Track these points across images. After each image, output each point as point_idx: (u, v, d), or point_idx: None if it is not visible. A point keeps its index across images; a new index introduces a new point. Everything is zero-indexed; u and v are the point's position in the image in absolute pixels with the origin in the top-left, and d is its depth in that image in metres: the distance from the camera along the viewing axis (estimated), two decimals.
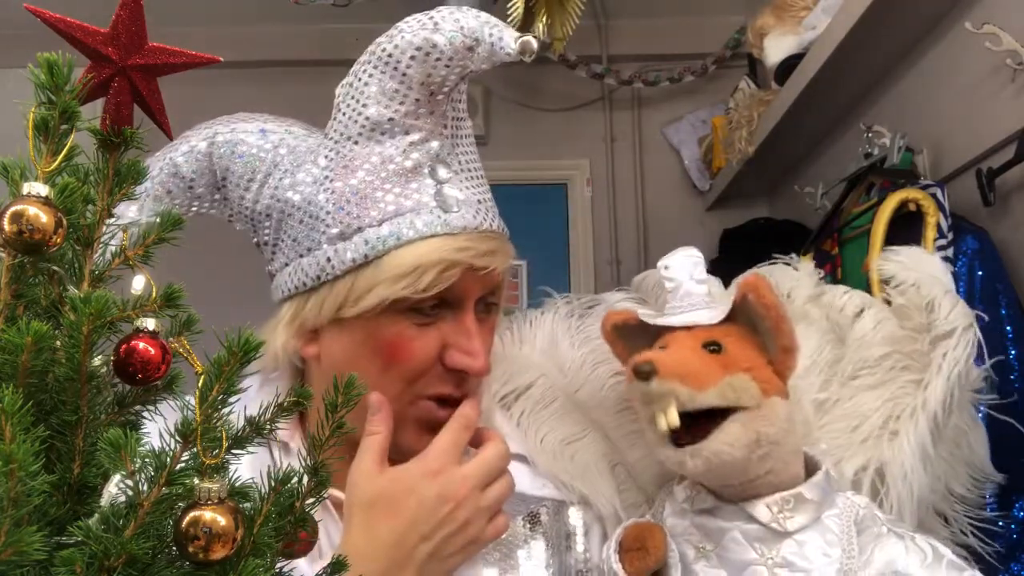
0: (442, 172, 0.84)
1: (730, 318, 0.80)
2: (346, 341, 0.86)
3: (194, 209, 0.94)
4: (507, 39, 0.79)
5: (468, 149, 0.90)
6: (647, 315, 0.83)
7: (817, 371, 0.91)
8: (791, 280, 0.97)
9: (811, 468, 0.79)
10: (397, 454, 0.84)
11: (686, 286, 0.81)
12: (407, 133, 0.83)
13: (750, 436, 0.73)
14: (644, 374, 0.73)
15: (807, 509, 0.75)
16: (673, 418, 0.73)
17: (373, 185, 0.83)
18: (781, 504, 0.75)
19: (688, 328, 0.79)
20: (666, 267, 0.82)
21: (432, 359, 0.85)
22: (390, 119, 0.82)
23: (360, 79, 0.84)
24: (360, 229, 0.82)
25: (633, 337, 0.85)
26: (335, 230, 0.83)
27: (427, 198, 0.83)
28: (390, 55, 0.81)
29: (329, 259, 0.83)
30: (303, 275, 0.86)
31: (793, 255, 1.03)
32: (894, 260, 0.94)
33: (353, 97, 0.84)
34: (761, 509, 0.75)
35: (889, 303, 0.93)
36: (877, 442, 0.87)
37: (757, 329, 0.79)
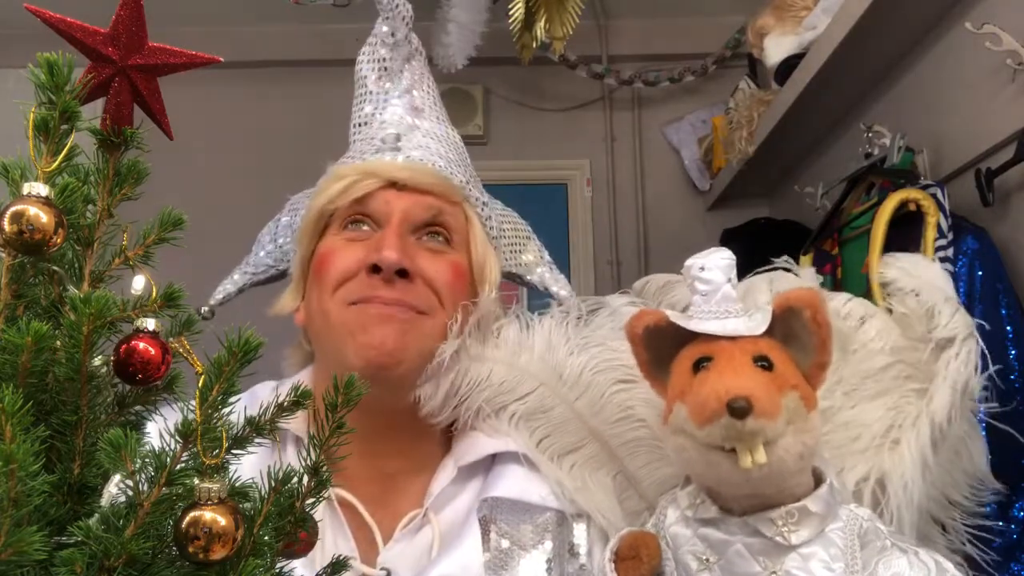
0: (390, 132, 0.96)
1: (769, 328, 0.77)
2: (310, 282, 0.94)
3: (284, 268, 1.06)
4: None
5: (438, 133, 1.00)
6: (680, 318, 0.79)
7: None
8: (793, 286, 0.96)
9: (816, 479, 0.77)
10: (352, 364, 0.85)
11: (724, 290, 0.77)
12: (371, 124, 0.98)
13: (798, 448, 0.72)
14: (740, 411, 0.68)
15: (811, 522, 0.73)
16: (761, 457, 0.69)
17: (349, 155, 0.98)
18: (786, 517, 0.73)
19: (731, 339, 0.75)
20: (702, 268, 0.78)
21: (355, 267, 0.90)
22: (361, 116, 0.99)
23: (353, 101, 1.03)
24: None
25: (658, 341, 0.81)
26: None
27: (375, 145, 0.95)
28: (357, 72, 1.02)
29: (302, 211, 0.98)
30: (293, 239, 1.00)
31: (788, 258, 1.02)
32: (895, 266, 0.93)
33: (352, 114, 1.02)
34: (766, 522, 0.73)
35: (890, 311, 0.92)
36: (878, 451, 0.86)
37: (788, 340, 0.77)
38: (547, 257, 1.11)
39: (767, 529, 0.73)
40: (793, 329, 0.76)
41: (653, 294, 0.99)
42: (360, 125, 0.99)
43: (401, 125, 0.96)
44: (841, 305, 0.93)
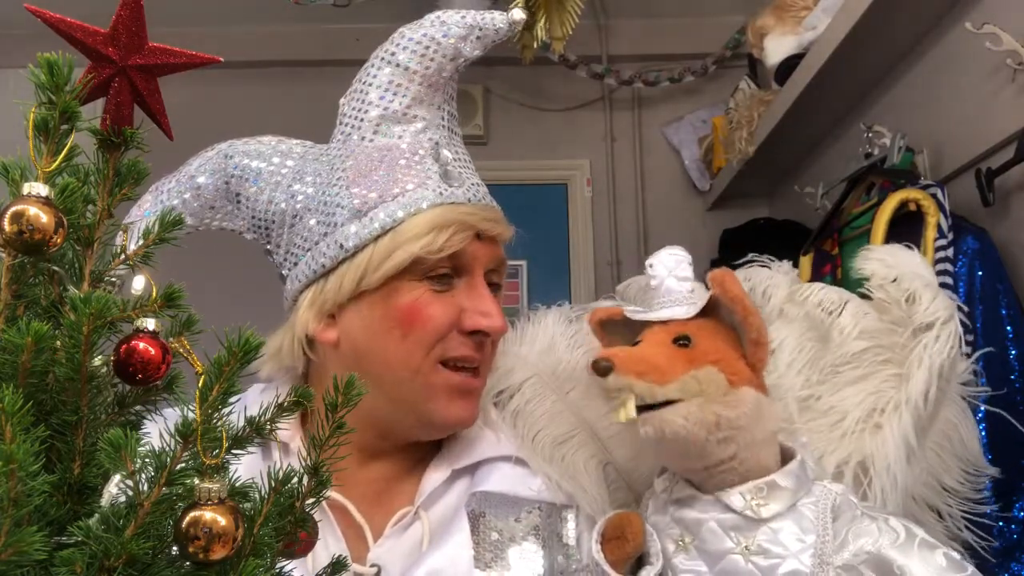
0: (444, 155, 0.91)
1: (709, 313, 0.81)
2: (366, 315, 0.90)
3: (211, 223, 0.99)
4: (497, 20, 0.89)
5: (460, 144, 0.96)
6: (630, 311, 0.85)
7: (798, 369, 0.92)
8: (766, 280, 0.97)
9: (787, 458, 0.80)
10: (430, 425, 0.91)
11: (667, 283, 0.83)
12: (409, 123, 0.91)
13: (708, 417, 0.75)
14: (602, 370, 0.75)
15: (781, 496, 0.76)
16: (630, 411, 0.75)
17: (383, 169, 0.89)
18: (755, 492, 0.76)
19: (664, 323, 0.81)
20: (650, 265, 0.85)
21: (449, 323, 0.89)
22: (393, 111, 0.90)
23: (363, 81, 0.92)
24: (376, 206, 0.88)
25: (618, 333, 0.87)
26: (352, 211, 0.89)
27: (433, 176, 0.89)
28: (392, 54, 0.90)
29: (348, 237, 0.88)
30: (321, 258, 0.90)
31: (769, 256, 1.02)
32: (872, 258, 0.94)
33: (357, 99, 0.92)
34: (735, 497, 0.76)
35: (868, 298, 0.93)
36: (860, 436, 0.87)
37: (734, 324, 0.80)
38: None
39: (737, 503, 0.76)
40: (724, 312, 0.80)
41: (634, 296, 1.01)
42: (388, 120, 0.90)
43: (449, 148, 0.92)
44: (816, 294, 0.95)
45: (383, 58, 0.91)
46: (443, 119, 0.93)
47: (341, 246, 0.88)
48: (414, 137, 0.90)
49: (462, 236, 0.88)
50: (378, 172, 0.89)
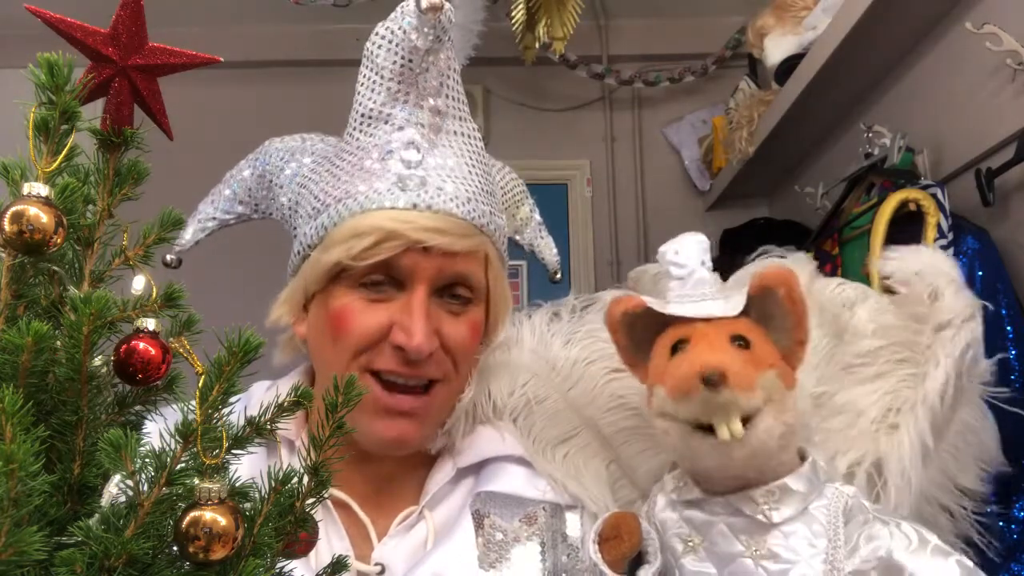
0: (412, 156, 0.87)
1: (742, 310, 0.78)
2: (314, 315, 0.91)
3: (262, 215, 1.03)
4: (415, 4, 0.84)
5: (461, 146, 0.91)
6: (656, 303, 0.80)
7: (813, 364, 0.89)
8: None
9: (801, 458, 0.78)
10: (366, 438, 0.87)
11: (699, 273, 0.79)
12: (386, 121, 0.88)
13: (780, 428, 0.72)
14: (713, 383, 0.69)
15: (793, 500, 0.74)
16: (737, 428, 0.70)
17: (349, 169, 0.88)
18: (766, 496, 0.74)
19: (707, 320, 0.76)
20: (676, 251, 0.79)
21: (376, 335, 0.86)
22: (370, 109, 0.89)
23: (358, 79, 0.91)
24: (327, 208, 0.88)
25: (637, 326, 0.82)
26: (311, 210, 0.90)
27: (390, 179, 0.86)
28: (368, 50, 0.89)
29: (305, 235, 0.90)
30: (294, 256, 0.93)
31: (788, 247, 1.01)
32: (893, 258, 0.93)
33: (355, 96, 0.92)
34: (747, 501, 0.75)
35: (892, 292, 0.91)
36: (874, 436, 0.85)
37: (767, 321, 0.78)
38: (538, 217, 1.11)
39: (748, 508, 0.74)
40: (769, 309, 0.77)
41: (647, 283, 0.99)
42: (367, 118, 0.89)
43: (421, 148, 0.87)
44: (833, 288, 0.93)
45: (364, 54, 0.90)
46: (424, 118, 0.88)
47: (302, 244, 0.91)
48: (387, 136, 0.88)
49: (391, 245, 0.83)
50: (345, 172, 0.89)
